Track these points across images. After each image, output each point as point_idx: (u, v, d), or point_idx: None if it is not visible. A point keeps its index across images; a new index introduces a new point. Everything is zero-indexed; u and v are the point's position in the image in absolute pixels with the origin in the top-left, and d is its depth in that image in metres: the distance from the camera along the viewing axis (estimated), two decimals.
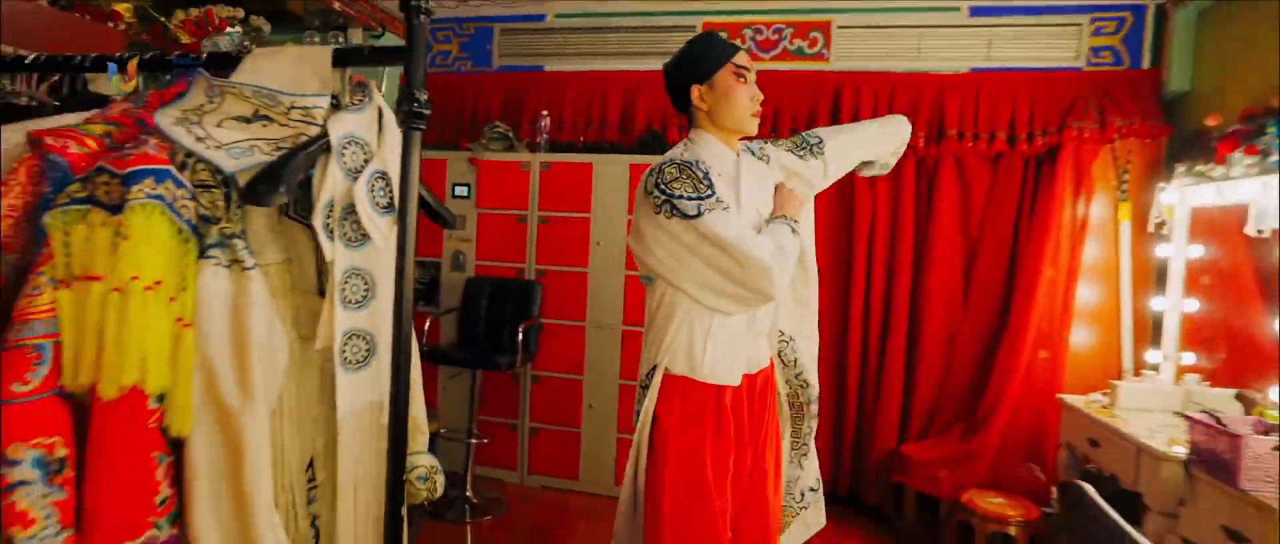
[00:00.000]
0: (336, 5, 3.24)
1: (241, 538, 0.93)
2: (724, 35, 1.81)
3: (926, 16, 3.27)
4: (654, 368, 1.47)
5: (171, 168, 0.94)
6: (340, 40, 3.45)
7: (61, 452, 0.86)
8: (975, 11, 3.24)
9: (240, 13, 2.36)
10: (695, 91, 1.50)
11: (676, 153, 1.48)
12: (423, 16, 1.05)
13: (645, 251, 1.44)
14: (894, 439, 3.22)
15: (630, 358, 3.44)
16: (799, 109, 3.36)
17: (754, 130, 1.54)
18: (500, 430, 3.52)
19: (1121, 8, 3.11)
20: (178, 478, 0.93)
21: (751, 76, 1.51)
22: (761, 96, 1.53)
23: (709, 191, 1.38)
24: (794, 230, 1.47)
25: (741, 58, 1.51)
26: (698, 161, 1.44)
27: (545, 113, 3.54)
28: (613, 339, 3.44)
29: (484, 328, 3.38)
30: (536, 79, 3.74)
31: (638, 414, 1.49)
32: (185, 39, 2.30)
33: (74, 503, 0.87)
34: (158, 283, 0.89)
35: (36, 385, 0.85)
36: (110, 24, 2.24)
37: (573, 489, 3.49)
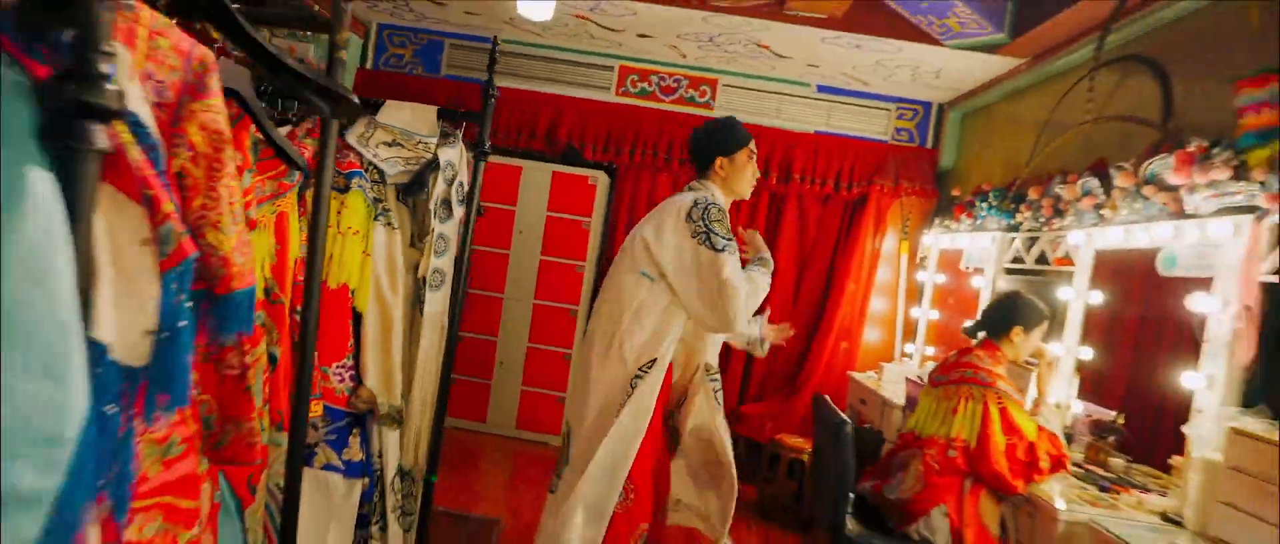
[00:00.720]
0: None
1: (385, 367, 1.80)
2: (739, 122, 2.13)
3: (786, 87, 4.46)
4: (653, 361, 1.83)
5: (362, 169, 1.79)
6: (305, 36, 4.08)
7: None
8: (821, 89, 4.46)
9: None
10: (718, 161, 1.97)
11: (711, 197, 1.92)
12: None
13: (665, 257, 1.84)
14: (736, 401, 4.37)
15: (538, 325, 4.36)
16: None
17: (748, 197, 2.12)
18: None
19: (917, 102, 4.44)
20: (357, 334, 1.78)
21: (756, 158, 2.02)
22: (758, 173, 2.04)
23: (732, 238, 1.85)
24: (770, 270, 1.99)
25: (754, 145, 1.99)
26: (724, 208, 1.92)
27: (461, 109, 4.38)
28: (525, 310, 4.35)
29: None
30: (477, 90, 4.54)
31: (628, 401, 1.81)
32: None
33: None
34: (356, 231, 1.75)
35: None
36: None
37: (481, 430, 4.35)
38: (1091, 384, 2.72)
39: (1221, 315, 1.95)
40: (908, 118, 4.47)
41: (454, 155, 1.96)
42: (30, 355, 0.63)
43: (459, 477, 3.60)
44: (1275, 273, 1.86)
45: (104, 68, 0.66)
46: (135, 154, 0.78)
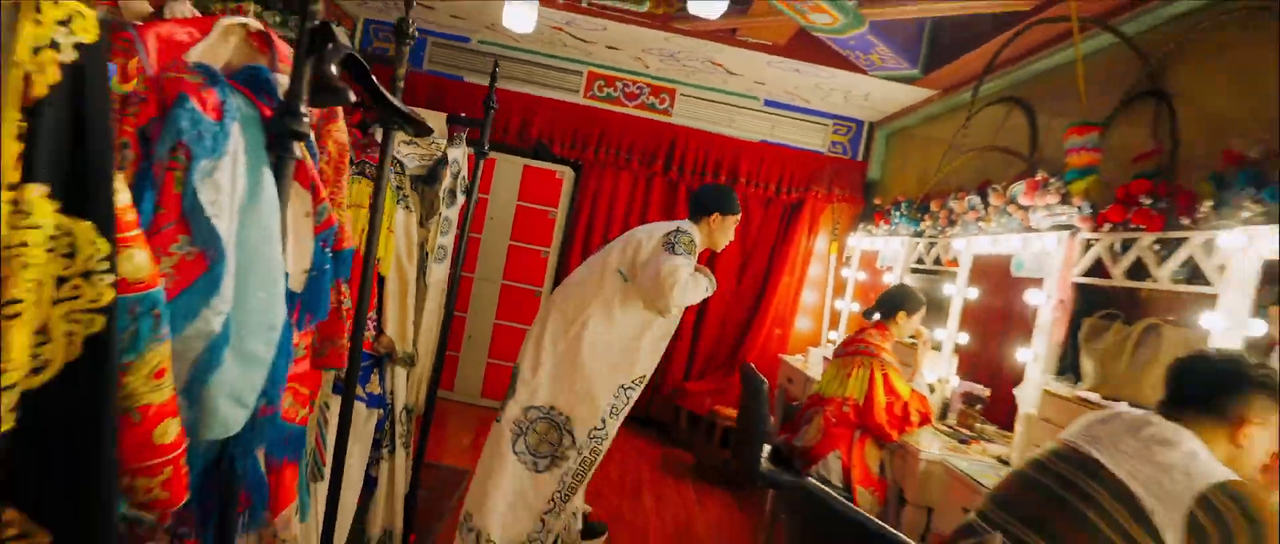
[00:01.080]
0: None
1: (401, 320, 2.28)
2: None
3: (736, 100, 5.03)
4: (642, 377, 2.43)
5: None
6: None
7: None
8: (767, 103, 5.05)
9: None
10: (715, 215, 2.55)
11: (692, 234, 2.45)
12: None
13: (640, 259, 2.41)
14: (681, 378, 4.94)
15: (505, 304, 4.85)
16: (647, 146, 4.96)
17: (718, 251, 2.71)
18: None
19: (851, 120, 5.07)
20: (380, 293, 2.26)
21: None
22: (733, 238, 2.66)
23: (691, 256, 2.42)
24: (711, 284, 2.56)
25: (739, 216, 2.63)
26: (695, 239, 2.47)
27: (462, 114, 4.83)
28: (494, 289, 4.83)
29: None
30: (456, 86, 5.00)
31: (618, 407, 2.41)
32: None
33: None
34: (384, 212, 2.23)
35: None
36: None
37: (449, 398, 4.82)
38: (968, 364, 3.36)
39: (1046, 306, 2.59)
40: (842, 133, 5.10)
41: (459, 153, 2.45)
42: (263, 280, 1.14)
43: (431, 434, 4.07)
44: (1083, 276, 2.50)
45: (301, 110, 1.16)
46: (308, 160, 1.27)
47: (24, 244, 0.71)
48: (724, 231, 2.61)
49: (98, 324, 0.79)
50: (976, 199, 3.26)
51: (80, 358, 0.79)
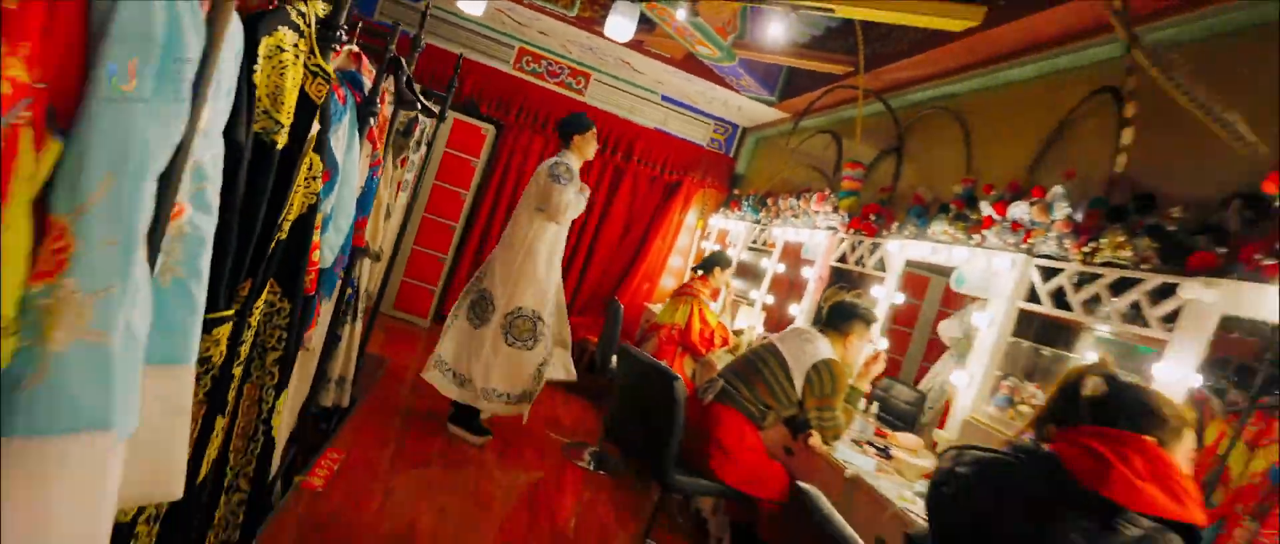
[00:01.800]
0: None
1: (376, 227, 3.32)
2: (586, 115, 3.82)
3: (639, 91, 6.20)
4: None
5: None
6: None
7: None
8: (664, 98, 6.25)
9: None
10: (574, 138, 3.58)
11: (567, 161, 3.52)
12: None
13: (541, 189, 3.50)
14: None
15: (424, 233, 5.84)
16: (560, 118, 6.03)
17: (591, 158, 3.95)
18: None
19: (729, 123, 6.37)
20: None
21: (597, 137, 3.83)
22: (598, 146, 3.90)
23: (571, 179, 3.47)
24: (585, 197, 3.59)
25: (594, 129, 3.63)
26: (571, 166, 3.54)
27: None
28: (416, 219, 5.81)
29: None
30: (404, 39, 5.85)
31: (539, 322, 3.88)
32: None
33: None
34: None
35: None
36: None
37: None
38: (772, 315, 4.74)
39: (814, 279, 3.96)
40: (720, 132, 6.39)
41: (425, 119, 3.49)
42: (348, 189, 2.23)
43: None
44: (837, 261, 3.87)
45: (375, 102, 2.24)
46: (372, 128, 2.33)
47: (309, 166, 1.78)
48: (588, 145, 3.65)
49: (309, 203, 1.87)
50: (794, 200, 4.61)
51: (300, 215, 1.86)
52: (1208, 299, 1.79)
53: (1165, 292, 1.95)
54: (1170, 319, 1.93)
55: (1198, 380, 1.83)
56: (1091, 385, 1.37)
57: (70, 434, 0.81)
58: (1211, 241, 1.86)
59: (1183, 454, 1.32)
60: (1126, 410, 1.32)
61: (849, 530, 1.36)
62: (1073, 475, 1.25)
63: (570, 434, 4.32)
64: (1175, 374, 1.84)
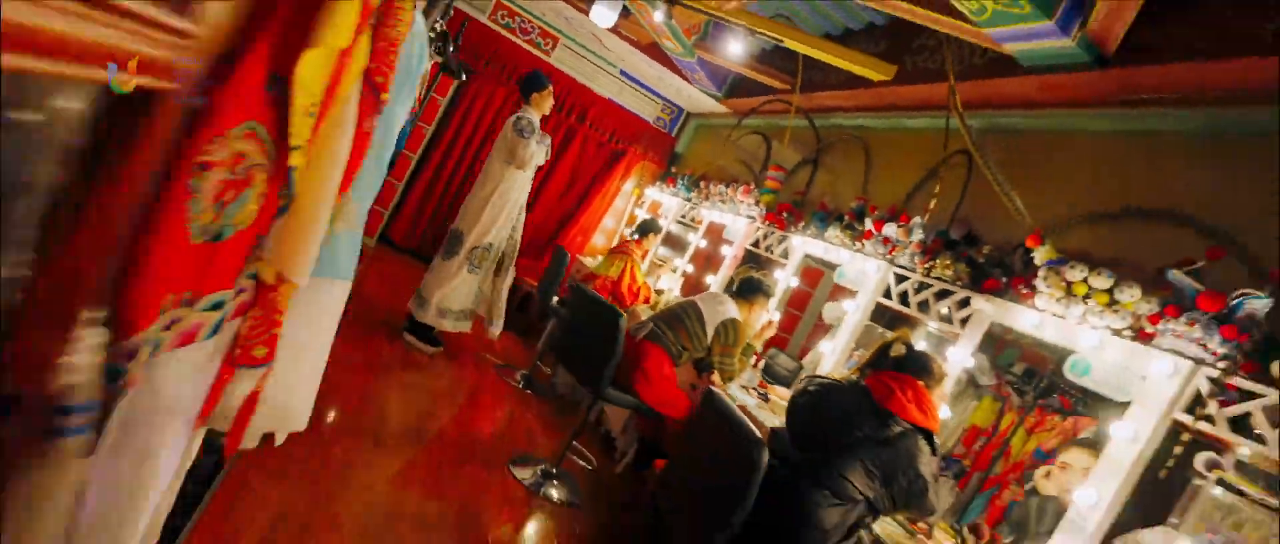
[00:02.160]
0: None
1: None
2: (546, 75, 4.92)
3: (601, 63, 6.82)
4: (521, 210, 4.53)
5: None
6: None
7: None
8: (623, 73, 6.90)
9: None
10: (534, 94, 4.26)
11: (528, 115, 4.15)
12: None
13: (508, 143, 4.23)
14: None
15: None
16: (525, 73, 6.58)
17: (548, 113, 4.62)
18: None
19: (676, 105, 7.10)
20: None
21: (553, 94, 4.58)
22: (554, 102, 4.61)
23: (532, 132, 4.16)
24: (546, 147, 4.39)
25: (550, 87, 4.39)
26: (533, 120, 4.27)
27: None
28: None
29: None
30: None
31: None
32: None
33: None
34: None
35: None
36: None
37: None
38: (689, 282, 5.56)
39: (730, 256, 4.80)
40: (666, 113, 7.11)
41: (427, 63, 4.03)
42: (366, 190, 2.84)
43: None
44: (751, 245, 4.71)
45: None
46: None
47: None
48: (544, 101, 4.27)
49: None
50: (724, 188, 5.41)
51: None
52: (987, 310, 2.71)
53: (965, 302, 2.87)
54: (965, 321, 2.85)
55: (970, 362, 2.75)
56: (896, 348, 2.23)
57: (340, 280, 1.48)
58: (1001, 273, 2.78)
59: (938, 395, 2.20)
60: (912, 365, 2.19)
61: (740, 414, 2.15)
62: (872, 396, 2.10)
63: (503, 359, 5.02)
64: (958, 356, 2.76)
